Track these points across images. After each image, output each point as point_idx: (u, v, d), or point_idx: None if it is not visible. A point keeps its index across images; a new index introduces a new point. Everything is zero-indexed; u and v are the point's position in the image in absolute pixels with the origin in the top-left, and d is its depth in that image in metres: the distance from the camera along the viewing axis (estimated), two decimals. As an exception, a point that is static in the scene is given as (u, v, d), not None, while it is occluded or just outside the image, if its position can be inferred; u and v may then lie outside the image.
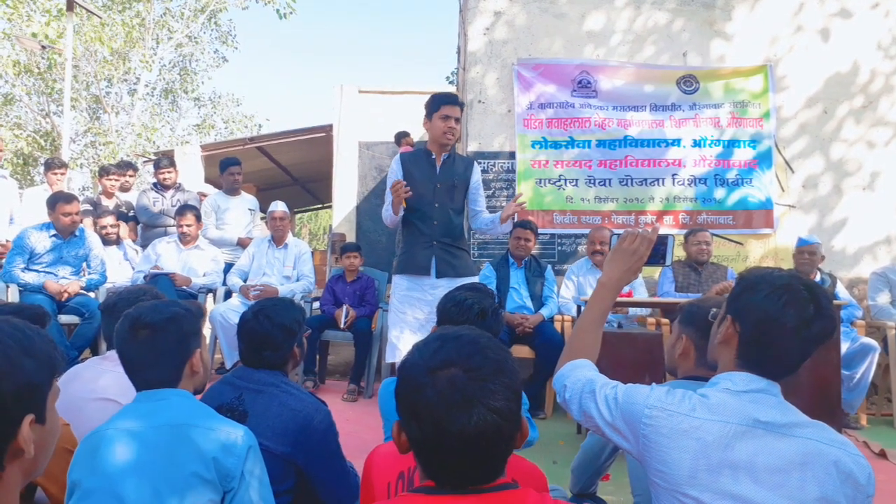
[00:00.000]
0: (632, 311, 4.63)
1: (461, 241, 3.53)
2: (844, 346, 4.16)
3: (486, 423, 0.96)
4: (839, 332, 3.76)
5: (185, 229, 5.25)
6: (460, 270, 3.44)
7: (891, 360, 4.40)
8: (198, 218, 5.38)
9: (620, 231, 1.70)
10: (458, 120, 3.40)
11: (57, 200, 4.74)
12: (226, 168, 5.89)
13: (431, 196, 3.44)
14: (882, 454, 3.64)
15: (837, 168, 5.51)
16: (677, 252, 5.05)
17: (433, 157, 3.48)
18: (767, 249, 5.47)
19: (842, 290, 4.79)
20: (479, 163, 5.35)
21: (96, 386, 2.02)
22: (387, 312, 5.06)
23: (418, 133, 8.23)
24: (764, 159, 5.50)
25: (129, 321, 1.64)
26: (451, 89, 10.33)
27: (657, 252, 1.66)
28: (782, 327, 1.29)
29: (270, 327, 1.98)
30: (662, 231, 5.28)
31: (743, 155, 5.53)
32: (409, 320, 3.45)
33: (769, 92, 5.53)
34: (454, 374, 0.99)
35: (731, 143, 5.53)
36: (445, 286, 3.30)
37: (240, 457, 1.52)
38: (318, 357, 5.09)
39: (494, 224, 3.52)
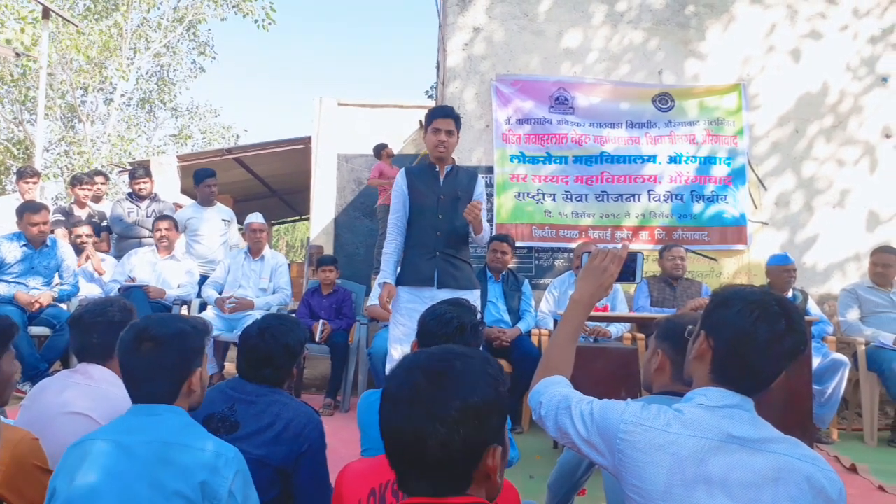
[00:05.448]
0: (614, 333, 4.64)
1: (464, 254, 3.49)
2: (815, 362, 4.21)
3: (421, 429, 0.98)
4: (811, 348, 3.81)
5: (165, 233, 5.20)
6: (462, 283, 3.40)
7: (861, 375, 4.47)
8: (176, 227, 5.33)
9: (602, 245, 1.73)
10: (450, 132, 3.36)
11: (24, 210, 4.66)
12: (202, 180, 5.80)
13: (435, 207, 3.42)
14: (853, 469, 3.68)
15: (808, 186, 5.62)
16: (652, 267, 5.10)
17: (436, 169, 3.48)
18: (741, 265, 5.55)
19: (813, 306, 4.87)
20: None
21: (65, 399, 1.97)
22: (364, 325, 5.05)
23: (397, 146, 8.24)
24: (738, 176, 5.59)
25: (134, 332, 1.63)
26: (431, 104, 10.37)
27: (627, 269, 1.69)
28: (754, 342, 1.31)
29: (275, 346, 1.99)
30: (637, 246, 5.34)
31: (717, 172, 5.61)
32: (406, 332, 3.40)
33: (742, 110, 5.63)
34: (417, 376, 1.03)
35: (706, 160, 5.61)
36: (446, 298, 3.27)
37: (227, 479, 1.51)
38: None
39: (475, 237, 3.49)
